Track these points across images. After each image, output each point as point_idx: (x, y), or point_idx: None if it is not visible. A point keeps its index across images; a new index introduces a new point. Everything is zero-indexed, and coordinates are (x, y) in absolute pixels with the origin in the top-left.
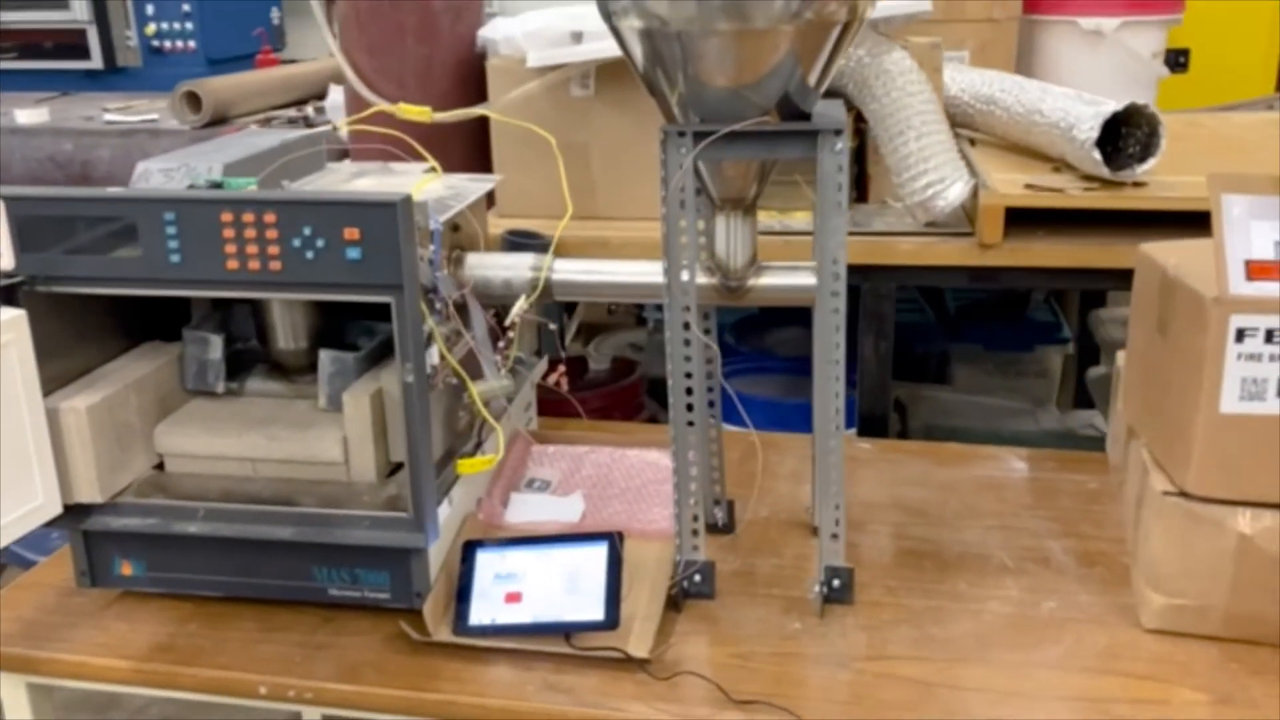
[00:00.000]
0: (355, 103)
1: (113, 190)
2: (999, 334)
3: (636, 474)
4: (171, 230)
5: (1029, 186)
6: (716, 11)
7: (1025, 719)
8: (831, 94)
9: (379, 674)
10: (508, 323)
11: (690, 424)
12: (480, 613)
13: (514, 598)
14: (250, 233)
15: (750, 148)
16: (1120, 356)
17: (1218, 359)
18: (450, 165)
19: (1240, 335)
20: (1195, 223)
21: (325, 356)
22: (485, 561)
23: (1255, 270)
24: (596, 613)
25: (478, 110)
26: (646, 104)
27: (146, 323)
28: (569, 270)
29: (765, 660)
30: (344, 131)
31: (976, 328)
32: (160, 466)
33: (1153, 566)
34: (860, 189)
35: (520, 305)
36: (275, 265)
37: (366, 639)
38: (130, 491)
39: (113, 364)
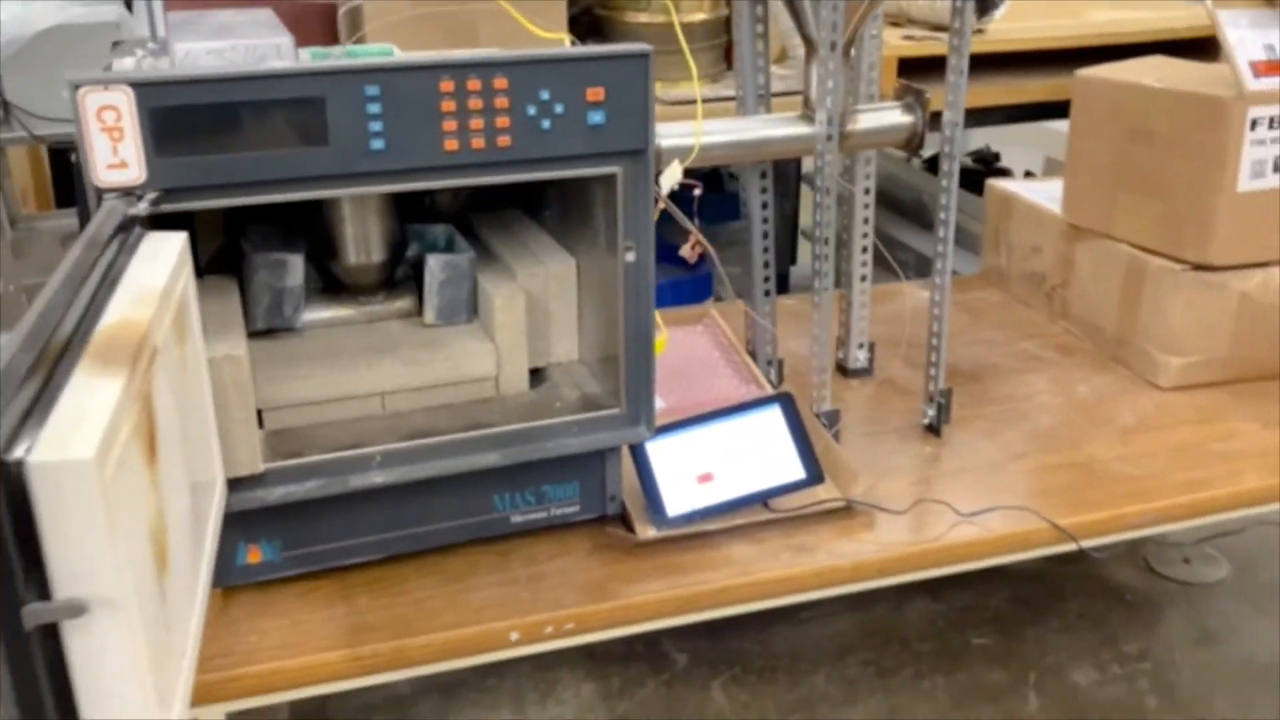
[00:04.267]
0: None
1: (288, 64)
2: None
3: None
4: (374, 109)
5: (908, 38)
6: None
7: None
8: None
9: (627, 584)
10: (665, 193)
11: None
12: (677, 501)
13: (706, 478)
14: (474, 103)
15: None
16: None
17: (1237, 147)
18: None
19: (1254, 124)
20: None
21: (435, 262)
22: (659, 451)
23: (1263, 69)
24: (796, 471)
25: None
26: None
27: None
28: (714, 131)
29: (947, 481)
30: None
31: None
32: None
33: (1169, 335)
34: (729, 60)
35: (674, 173)
36: (503, 141)
37: (574, 560)
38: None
39: None
